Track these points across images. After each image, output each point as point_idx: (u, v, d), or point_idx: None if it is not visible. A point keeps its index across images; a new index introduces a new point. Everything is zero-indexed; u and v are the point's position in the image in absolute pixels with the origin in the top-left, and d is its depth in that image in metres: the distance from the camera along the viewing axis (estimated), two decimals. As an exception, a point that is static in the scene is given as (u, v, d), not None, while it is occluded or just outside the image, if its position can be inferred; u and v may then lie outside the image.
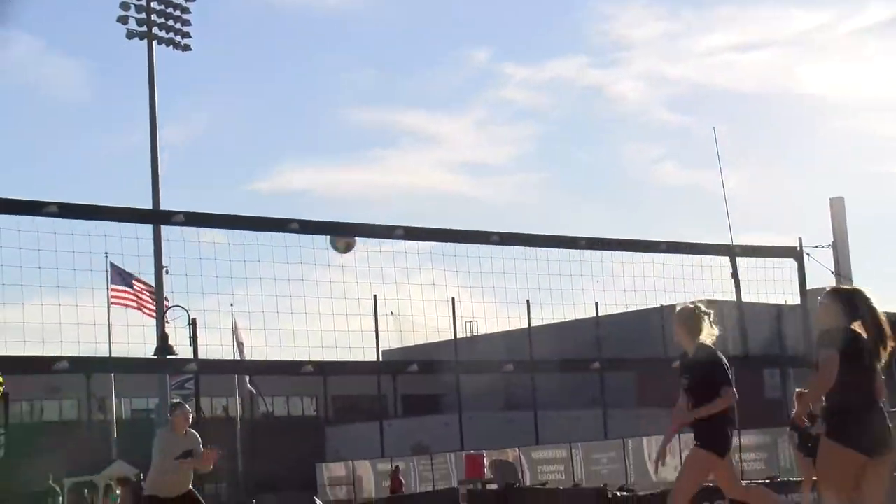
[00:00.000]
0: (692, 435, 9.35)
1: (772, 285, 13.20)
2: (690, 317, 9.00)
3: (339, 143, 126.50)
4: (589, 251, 11.87)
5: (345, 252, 12.61)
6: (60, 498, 33.39)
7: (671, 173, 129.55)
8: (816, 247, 13.13)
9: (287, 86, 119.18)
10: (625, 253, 12.29)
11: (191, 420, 14.48)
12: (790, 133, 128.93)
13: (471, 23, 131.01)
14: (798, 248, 13.20)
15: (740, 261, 12.74)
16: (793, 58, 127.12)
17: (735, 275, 12.68)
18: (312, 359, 11.60)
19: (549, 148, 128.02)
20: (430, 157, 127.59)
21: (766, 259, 13.19)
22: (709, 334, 9.00)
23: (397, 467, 40.84)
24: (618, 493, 29.08)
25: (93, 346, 11.83)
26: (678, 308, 9.31)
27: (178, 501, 14.02)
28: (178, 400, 14.17)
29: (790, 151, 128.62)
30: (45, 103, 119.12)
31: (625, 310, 18.81)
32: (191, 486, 14.31)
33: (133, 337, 12.74)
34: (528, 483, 34.97)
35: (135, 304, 40.95)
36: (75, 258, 10.48)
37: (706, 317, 9.01)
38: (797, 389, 18.89)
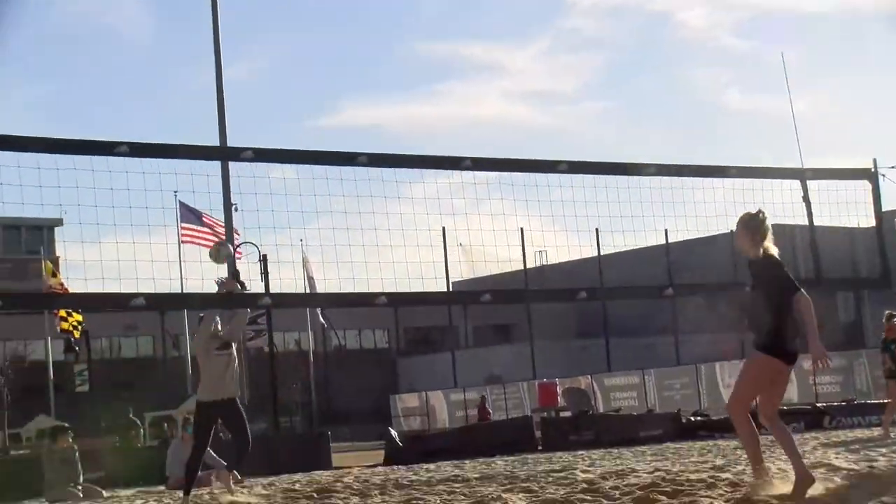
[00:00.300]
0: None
1: (844, 207, 13.04)
2: (754, 220, 8.69)
3: (404, 77, 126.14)
4: (657, 178, 11.75)
5: (218, 262, 12.54)
6: (142, 430, 33.90)
7: (737, 99, 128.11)
8: (893, 167, 12.87)
9: (349, 22, 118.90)
10: (693, 179, 12.17)
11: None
12: (861, 52, 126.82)
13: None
14: (872, 169, 12.98)
15: (811, 184, 12.58)
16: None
17: (806, 198, 12.51)
18: (384, 290, 11.57)
19: (615, 76, 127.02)
20: (496, 88, 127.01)
21: (839, 182, 13.04)
22: (773, 242, 8.66)
23: (483, 397, 40.86)
24: (692, 418, 29.17)
25: (166, 284, 11.93)
26: (741, 214, 8.96)
27: (224, 414, 13.10)
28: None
29: (861, 72, 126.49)
30: (113, 46, 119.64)
31: (695, 236, 18.78)
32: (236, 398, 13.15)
33: (205, 273, 12.78)
34: (600, 410, 35.01)
35: (205, 242, 41.23)
36: (147, 197, 10.57)
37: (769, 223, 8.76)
38: (888, 311, 18.70)
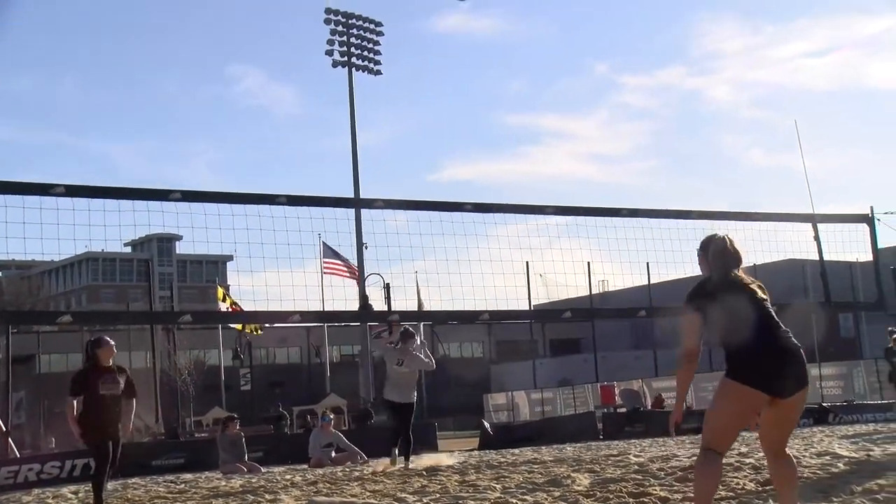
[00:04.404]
0: None
1: (847, 245, 12.77)
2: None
3: (494, 142, 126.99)
4: (698, 220, 11.63)
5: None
6: (288, 420, 34.06)
7: (758, 158, 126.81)
8: (886, 213, 12.58)
9: (453, 97, 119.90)
10: (726, 221, 11.99)
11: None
12: (859, 119, 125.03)
13: (592, 42, 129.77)
14: (869, 215, 12.70)
15: (820, 226, 12.33)
16: (859, 58, 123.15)
17: (817, 238, 12.28)
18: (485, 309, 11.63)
19: (660, 141, 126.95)
20: (566, 151, 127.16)
21: (842, 224, 12.76)
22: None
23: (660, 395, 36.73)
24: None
25: (312, 305, 12.07)
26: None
27: (402, 412, 13.98)
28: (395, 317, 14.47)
29: (859, 134, 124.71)
30: (268, 121, 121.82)
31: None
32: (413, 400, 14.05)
33: (343, 298, 12.99)
34: (650, 407, 34.53)
35: (339, 273, 41.56)
36: (300, 237, 10.80)
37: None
38: (890, 328, 18.27)
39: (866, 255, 13.42)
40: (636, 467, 10.74)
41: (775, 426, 5.46)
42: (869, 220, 12.68)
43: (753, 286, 5.65)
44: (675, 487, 8.37)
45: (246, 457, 19.53)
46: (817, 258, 12.35)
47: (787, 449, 5.59)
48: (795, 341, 5.44)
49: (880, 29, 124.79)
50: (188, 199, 10.36)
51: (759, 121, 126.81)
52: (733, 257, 5.79)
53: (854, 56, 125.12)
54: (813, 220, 12.31)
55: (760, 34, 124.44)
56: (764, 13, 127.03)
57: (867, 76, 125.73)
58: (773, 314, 5.55)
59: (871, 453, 11.33)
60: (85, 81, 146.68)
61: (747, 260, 5.86)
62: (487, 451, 21.16)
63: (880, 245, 12.93)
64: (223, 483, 14.12)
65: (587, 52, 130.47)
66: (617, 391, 32.64)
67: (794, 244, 12.42)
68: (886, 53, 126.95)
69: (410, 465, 13.80)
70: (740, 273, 5.73)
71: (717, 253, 5.78)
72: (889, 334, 18.12)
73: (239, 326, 39.80)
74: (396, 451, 14.17)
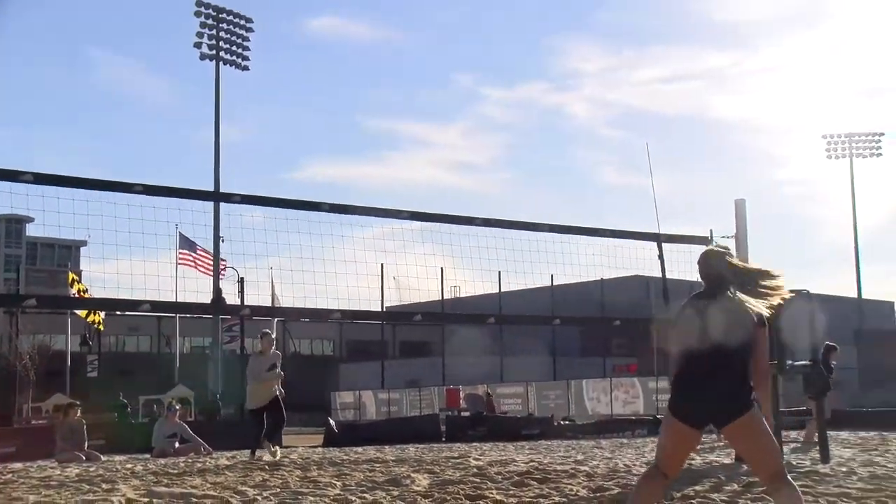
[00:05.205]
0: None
1: (688, 266, 13.09)
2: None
3: (355, 144, 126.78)
4: (548, 234, 11.74)
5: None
6: (129, 409, 33.16)
7: (611, 175, 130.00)
8: (723, 237, 12.92)
9: (318, 98, 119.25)
10: (576, 236, 12.15)
11: (273, 344, 15.59)
12: (704, 147, 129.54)
13: (458, 54, 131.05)
14: (709, 238, 13.06)
15: (665, 245, 12.61)
16: (707, 88, 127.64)
17: (661, 256, 12.56)
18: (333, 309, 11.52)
19: (519, 153, 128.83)
20: (426, 158, 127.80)
21: (684, 245, 13.08)
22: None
23: (488, 393, 36.56)
24: (562, 422, 29.15)
25: (165, 294, 11.80)
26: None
27: (269, 408, 15.03)
28: (266, 329, 15.06)
29: (703, 161, 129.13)
30: (133, 109, 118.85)
31: (574, 281, 18.78)
32: (277, 395, 15.17)
33: (195, 290, 12.75)
34: (493, 412, 34.88)
35: (195, 266, 40.83)
36: (155, 226, 10.57)
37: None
38: None
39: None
40: (475, 470, 10.80)
41: (741, 454, 5.06)
42: (708, 242, 13.02)
43: (730, 308, 5.18)
44: (511, 492, 8.43)
45: (86, 445, 18.91)
46: (661, 276, 12.61)
47: (783, 477, 5.05)
48: (738, 372, 5.05)
49: (727, 63, 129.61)
50: (41, 181, 10.02)
51: (613, 140, 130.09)
52: (710, 272, 5.41)
53: (701, 86, 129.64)
54: (658, 238, 12.55)
55: (618, 56, 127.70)
56: (623, 37, 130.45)
57: (711, 107, 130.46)
58: (728, 342, 5.08)
59: (692, 462, 11.76)
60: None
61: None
62: (331, 449, 21.03)
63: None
64: (57, 472, 13.48)
65: (453, 63, 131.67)
66: (462, 395, 32.85)
67: (640, 261, 12.64)
68: (730, 86, 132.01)
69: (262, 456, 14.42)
70: (730, 292, 5.25)
71: (699, 264, 5.48)
72: None
73: (82, 314, 38.65)
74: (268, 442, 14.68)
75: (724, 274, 5.35)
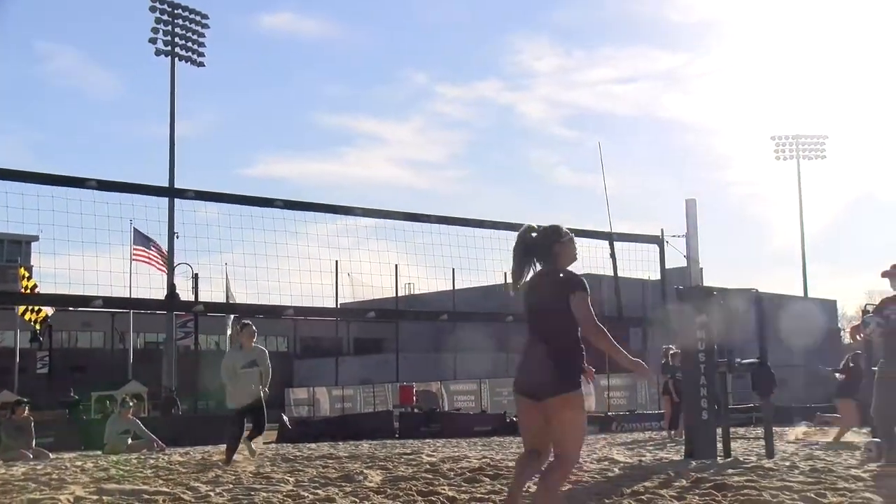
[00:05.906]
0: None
1: (639, 264, 13.15)
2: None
3: (310, 140, 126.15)
4: (503, 231, 11.73)
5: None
6: (81, 406, 32.80)
7: (565, 175, 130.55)
8: (674, 236, 12.98)
9: (273, 94, 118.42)
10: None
11: (255, 336, 13.83)
12: (655, 147, 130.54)
13: (413, 51, 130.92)
14: (660, 237, 13.13)
15: (617, 244, 12.66)
16: (659, 89, 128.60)
17: (612, 255, 12.60)
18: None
19: (473, 151, 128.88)
20: (381, 154, 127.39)
21: (636, 244, 13.14)
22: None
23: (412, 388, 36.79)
24: (514, 419, 29.18)
25: (118, 290, 11.63)
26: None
27: (250, 409, 13.64)
28: (246, 320, 13.76)
29: (655, 162, 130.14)
30: (86, 103, 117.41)
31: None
32: (260, 396, 13.76)
33: (148, 286, 12.61)
34: (446, 409, 34.86)
35: (149, 262, 40.40)
36: (108, 222, 10.42)
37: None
38: (664, 346, 19.01)
39: (656, 275, 13.85)
40: (428, 466, 10.78)
41: (541, 427, 5.17)
42: (659, 241, 13.10)
43: (544, 283, 5.32)
44: (464, 488, 8.40)
45: (34, 443, 18.59)
46: (612, 274, 12.66)
47: (566, 465, 5.17)
48: (550, 347, 5.12)
49: (677, 64, 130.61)
50: (-12, 175, 9.84)
51: (567, 140, 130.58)
52: (528, 249, 5.44)
53: (653, 87, 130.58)
54: (610, 237, 12.61)
55: (571, 57, 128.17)
56: (575, 37, 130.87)
57: (662, 107, 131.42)
58: (547, 317, 5.21)
59: (643, 459, 11.86)
60: None
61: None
62: (285, 445, 20.90)
63: (668, 265, 13.40)
64: (2, 471, 13.19)
65: (407, 60, 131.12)
66: (415, 392, 32.80)
67: (592, 259, 12.63)
68: (680, 87, 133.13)
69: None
70: (551, 268, 5.35)
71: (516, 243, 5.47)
72: (665, 352, 18.95)
73: (20, 310, 37.96)
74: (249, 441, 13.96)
75: (531, 247, 5.42)
